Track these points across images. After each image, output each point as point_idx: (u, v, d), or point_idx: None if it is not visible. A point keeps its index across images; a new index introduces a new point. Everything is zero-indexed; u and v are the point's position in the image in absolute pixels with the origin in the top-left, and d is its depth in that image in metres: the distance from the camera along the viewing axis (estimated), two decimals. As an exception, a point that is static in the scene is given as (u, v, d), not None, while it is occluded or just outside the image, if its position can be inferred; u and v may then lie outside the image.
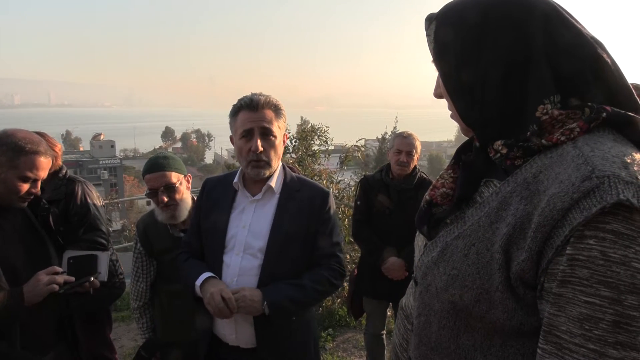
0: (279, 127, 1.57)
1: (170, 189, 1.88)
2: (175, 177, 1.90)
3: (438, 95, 0.85)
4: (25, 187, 1.52)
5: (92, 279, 1.65)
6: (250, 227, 1.58)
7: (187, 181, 2.00)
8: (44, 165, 1.56)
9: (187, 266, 1.66)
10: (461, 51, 0.76)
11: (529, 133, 0.71)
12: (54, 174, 2.33)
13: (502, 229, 0.69)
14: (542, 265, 0.64)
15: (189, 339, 1.92)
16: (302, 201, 1.62)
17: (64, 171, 2.37)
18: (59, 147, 2.36)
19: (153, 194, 1.89)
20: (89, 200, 2.38)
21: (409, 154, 2.66)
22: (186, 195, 1.96)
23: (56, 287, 1.52)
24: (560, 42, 0.71)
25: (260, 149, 1.51)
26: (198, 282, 1.53)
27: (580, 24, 0.74)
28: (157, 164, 1.90)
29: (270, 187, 1.60)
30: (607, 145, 0.66)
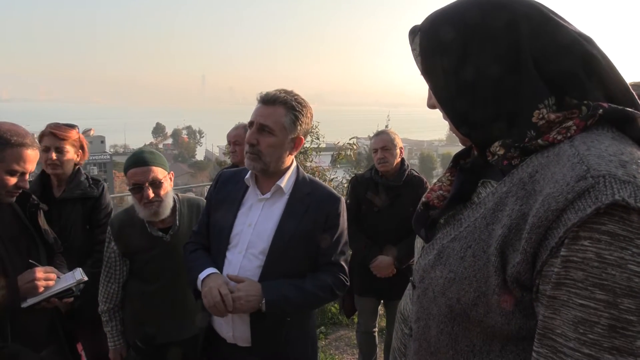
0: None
1: (157, 184, 1.84)
2: (161, 172, 1.87)
3: (431, 105, 0.84)
4: (13, 181, 1.49)
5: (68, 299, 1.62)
6: (255, 226, 1.55)
7: (170, 179, 1.96)
8: (31, 158, 1.53)
9: (193, 258, 1.63)
10: (447, 59, 0.75)
11: (527, 139, 0.70)
12: (77, 171, 2.25)
13: (498, 231, 0.68)
14: (537, 267, 0.62)
15: (156, 343, 1.90)
16: (310, 204, 1.57)
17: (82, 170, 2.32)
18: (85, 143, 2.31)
19: (137, 189, 1.82)
20: (110, 203, 2.37)
21: (384, 149, 2.66)
22: (169, 192, 1.92)
23: (41, 287, 1.50)
24: (547, 43, 0.69)
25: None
26: (201, 276, 1.51)
27: (565, 21, 0.72)
28: (143, 159, 1.84)
29: (280, 187, 1.57)
30: (605, 144, 0.63)
